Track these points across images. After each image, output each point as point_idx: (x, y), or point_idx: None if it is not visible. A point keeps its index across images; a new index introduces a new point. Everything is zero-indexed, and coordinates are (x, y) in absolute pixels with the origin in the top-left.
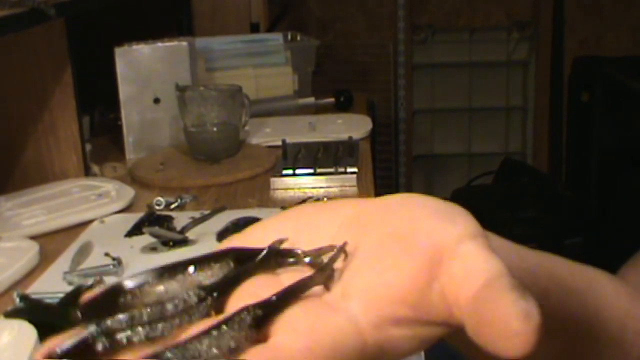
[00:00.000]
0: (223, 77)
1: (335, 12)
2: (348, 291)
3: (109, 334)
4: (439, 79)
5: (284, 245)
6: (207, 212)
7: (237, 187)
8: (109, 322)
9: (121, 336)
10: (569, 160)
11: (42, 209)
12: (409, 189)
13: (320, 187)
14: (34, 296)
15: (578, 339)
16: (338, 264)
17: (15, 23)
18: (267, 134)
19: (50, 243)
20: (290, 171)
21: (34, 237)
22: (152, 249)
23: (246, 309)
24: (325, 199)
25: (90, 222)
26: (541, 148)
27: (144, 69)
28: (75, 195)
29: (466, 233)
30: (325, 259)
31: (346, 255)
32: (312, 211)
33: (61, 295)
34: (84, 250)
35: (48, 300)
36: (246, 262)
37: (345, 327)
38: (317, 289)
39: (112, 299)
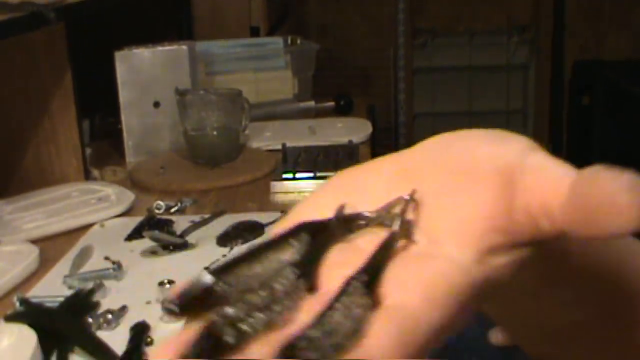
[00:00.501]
0: (223, 81)
1: (335, 16)
2: (435, 236)
3: (233, 324)
4: (439, 82)
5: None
6: (207, 216)
7: (237, 191)
8: (227, 310)
9: (245, 326)
10: (570, 164)
11: (42, 212)
12: None
13: None
14: (34, 300)
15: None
16: (411, 215)
17: (16, 27)
18: (267, 138)
19: (51, 247)
20: (290, 175)
21: (34, 241)
22: (152, 252)
23: (352, 277)
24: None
25: (90, 226)
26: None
27: (144, 73)
28: (75, 199)
29: (526, 147)
30: (395, 213)
31: (416, 204)
32: (352, 176)
33: (61, 299)
34: (84, 254)
35: (48, 304)
36: (319, 234)
37: (451, 270)
38: (402, 244)
39: (205, 290)
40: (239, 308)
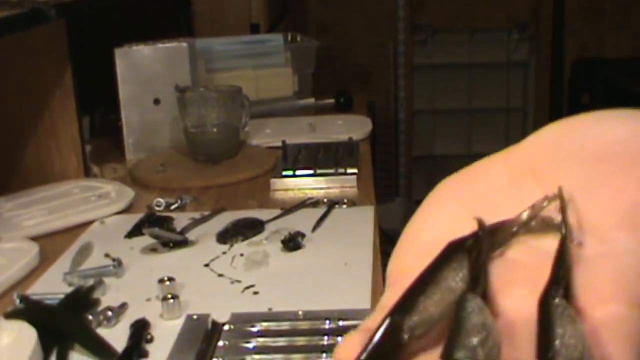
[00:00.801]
0: (223, 78)
1: (335, 13)
2: (603, 232)
3: None
4: (439, 79)
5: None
6: (207, 213)
7: (237, 188)
8: (474, 340)
9: None
10: None
11: (43, 209)
12: (409, 190)
13: (321, 188)
14: (34, 297)
15: None
16: (558, 216)
17: (16, 24)
18: (267, 135)
19: (51, 244)
20: (290, 172)
21: (34, 238)
22: (152, 249)
23: (547, 294)
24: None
25: (90, 223)
26: None
27: (144, 70)
28: (75, 196)
29: None
30: (545, 216)
31: (563, 201)
32: (463, 184)
33: (61, 296)
34: (84, 251)
35: (48, 301)
36: (472, 251)
37: (638, 264)
38: (573, 249)
39: (391, 341)
40: (459, 355)
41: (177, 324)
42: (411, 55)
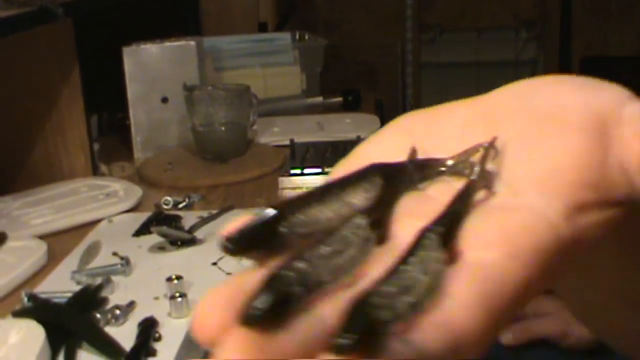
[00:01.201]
0: (231, 76)
1: (343, 12)
2: (518, 187)
3: (304, 279)
4: (446, 78)
5: (403, 156)
6: (215, 211)
7: (245, 186)
8: (298, 264)
9: (311, 278)
10: None
11: (50, 208)
12: None
13: None
14: (42, 296)
15: None
16: (490, 164)
17: (23, 22)
18: (275, 134)
19: (58, 242)
20: (298, 171)
21: (42, 237)
22: (160, 248)
23: (427, 229)
24: None
25: (98, 221)
26: None
27: (152, 68)
28: (83, 194)
29: (623, 95)
30: (474, 161)
31: (497, 152)
32: (422, 118)
33: (69, 294)
34: (92, 250)
35: (56, 300)
36: (391, 179)
37: (537, 224)
38: (481, 194)
39: (271, 229)
40: (305, 256)
41: (185, 322)
42: (419, 54)
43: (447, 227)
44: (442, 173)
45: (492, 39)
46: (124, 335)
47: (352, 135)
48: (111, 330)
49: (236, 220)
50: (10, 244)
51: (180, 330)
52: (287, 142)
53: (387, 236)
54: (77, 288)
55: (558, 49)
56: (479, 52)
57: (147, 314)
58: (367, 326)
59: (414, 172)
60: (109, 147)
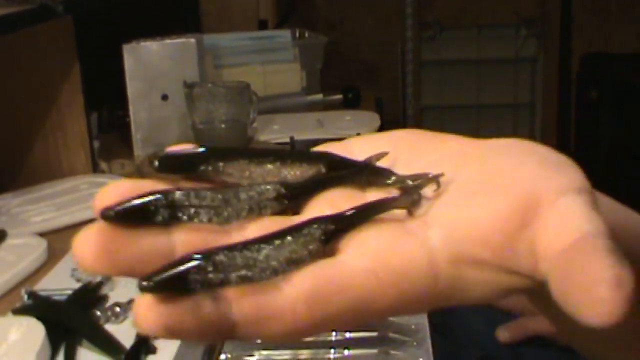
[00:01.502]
0: (231, 74)
1: (343, 9)
2: (431, 220)
3: (176, 206)
4: (447, 75)
5: (382, 163)
6: None
7: None
8: (177, 195)
9: (183, 213)
10: (577, 158)
11: (51, 205)
12: None
13: None
14: (42, 293)
15: None
16: (429, 194)
17: (23, 20)
18: (275, 131)
19: (58, 240)
20: None
21: (42, 234)
22: None
23: (318, 220)
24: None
25: None
26: (549, 145)
27: (152, 66)
28: (83, 192)
29: (572, 186)
30: (413, 184)
31: (438, 186)
32: (417, 137)
33: (69, 292)
34: None
35: (56, 297)
36: (338, 171)
37: (418, 255)
38: (400, 213)
39: (193, 163)
40: (193, 196)
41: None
42: (419, 52)
43: (337, 225)
44: (386, 185)
45: (492, 37)
46: (124, 332)
47: (352, 133)
48: (111, 328)
49: (175, 147)
50: (10, 241)
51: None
52: (287, 140)
53: (299, 213)
54: (77, 285)
55: (558, 47)
56: (479, 49)
57: None
58: (174, 278)
59: (363, 174)
60: (109, 145)
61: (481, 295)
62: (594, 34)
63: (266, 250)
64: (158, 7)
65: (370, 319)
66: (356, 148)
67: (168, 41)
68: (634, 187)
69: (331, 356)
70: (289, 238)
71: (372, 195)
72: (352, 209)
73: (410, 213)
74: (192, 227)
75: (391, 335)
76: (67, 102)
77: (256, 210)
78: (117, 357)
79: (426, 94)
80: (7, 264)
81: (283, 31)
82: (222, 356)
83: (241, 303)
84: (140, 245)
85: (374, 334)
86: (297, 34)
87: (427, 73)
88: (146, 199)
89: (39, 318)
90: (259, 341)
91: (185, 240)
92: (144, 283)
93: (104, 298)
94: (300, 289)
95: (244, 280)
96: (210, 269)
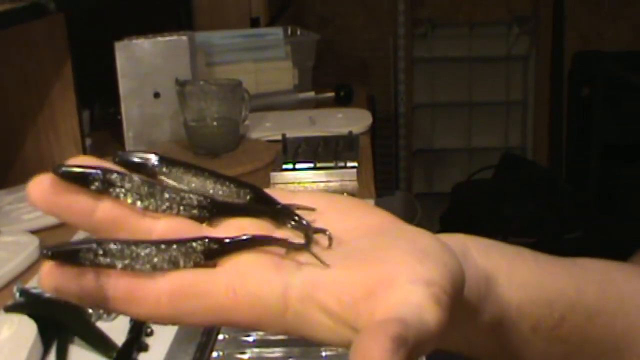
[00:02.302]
0: (223, 71)
1: (335, 7)
2: (304, 265)
3: (110, 183)
4: (439, 73)
5: (306, 215)
6: None
7: None
8: (114, 175)
9: (113, 190)
10: (569, 155)
11: None
12: (409, 184)
13: (321, 182)
14: (33, 290)
15: (603, 358)
16: (323, 245)
17: (15, 17)
18: (267, 129)
19: (50, 237)
20: (290, 165)
21: (34, 232)
22: None
23: (204, 238)
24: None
25: None
26: (541, 143)
27: (144, 63)
28: None
29: (425, 277)
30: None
31: (330, 243)
32: (350, 205)
33: None
34: None
35: (48, 295)
36: (259, 205)
37: (275, 286)
38: (281, 250)
39: (141, 164)
40: (126, 182)
41: None
42: (411, 49)
43: (220, 247)
44: (295, 228)
45: (484, 34)
46: (116, 330)
47: (344, 130)
48: (103, 326)
49: (130, 152)
50: (2, 238)
51: (173, 325)
52: (279, 137)
53: (210, 224)
54: None
55: (550, 45)
56: (471, 47)
57: None
58: (68, 252)
59: (280, 214)
60: (100, 142)
61: (326, 338)
62: (586, 31)
63: (151, 249)
64: (150, 5)
65: (230, 326)
66: (287, 195)
67: (160, 39)
68: (626, 184)
69: (322, 354)
70: (174, 245)
71: (279, 233)
72: (235, 237)
73: (289, 254)
74: (117, 201)
75: None
76: (59, 100)
77: (175, 209)
78: (109, 355)
79: (418, 92)
80: None
81: (275, 29)
82: (215, 354)
83: (118, 283)
84: (73, 198)
85: None
86: (289, 32)
87: (419, 70)
88: (90, 170)
89: (30, 315)
90: (251, 340)
91: (106, 208)
92: (45, 251)
93: None
94: (168, 285)
95: (126, 267)
96: (100, 252)
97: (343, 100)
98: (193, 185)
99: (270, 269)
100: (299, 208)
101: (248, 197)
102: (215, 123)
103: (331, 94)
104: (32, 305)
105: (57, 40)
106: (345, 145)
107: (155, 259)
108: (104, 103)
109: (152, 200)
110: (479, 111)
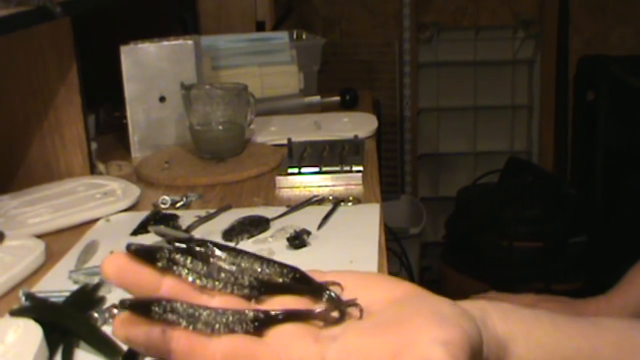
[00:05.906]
0: (228, 75)
1: (340, 11)
2: (339, 336)
3: (174, 262)
4: (444, 77)
5: (338, 290)
6: (212, 210)
7: (243, 185)
8: (178, 255)
9: (177, 269)
10: (574, 160)
11: (48, 207)
12: (414, 188)
13: (326, 186)
14: (39, 295)
15: None
16: (355, 315)
17: (21, 21)
18: (272, 133)
19: (56, 242)
20: (295, 170)
21: (39, 236)
22: None
23: (255, 310)
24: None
25: (95, 220)
26: (546, 147)
27: (150, 67)
28: (80, 193)
29: (444, 338)
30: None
31: (361, 315)
32: (375, 280)
33: (67, 294)
34: (90, 249)
35: (53, 299)
36: (302, 284)
37: (314, 355)
38: (319, 322)
39: (203, 252)
40: (189, 263)
41: None
42: (416, 53)
43: (266, 318)
44: (329, 302)
45: (489, 39)
46: None
47: (349, 134)
48: (109, 330)
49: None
50: (7, 243)
51: None
52: (285, 141)
53: (260, 303)
54: (74, 287)
55: (555, 49)
56: (476, 51)
57: None
58: (141, 305)
59: (317, 292)
60: (106, 146)
61: None
62: (592, 36)
63: (211, 313)
64: (156, 9)
65: None
66: (331, 276)
67: (166, 43)
68: (631, 189)
69: None
70: (229, 312)
71: (316, 307)
72: (283, 311)
73: (326, 326)
74: (179, 279)
75: None
76: (64, 104)
77: (229, 288)
78: (114, 359)
79: (424, 96)
80: (5, 265)
81: (280, 32)
82: None
83: (180, 339)
84: (141, 273)
85: None
86: (295, 36)
87: (424, 74)
88: (156, 249)
89: (36, 320)
90: None
91: (170, 284)
92: (122, 301)
93: (101, 300)
94: (223, 346)
95: (189, 326)
96: (169, 309)
97: (348, 104)
98: (242, 265)
99: (310, 340)
100: (332, 284)
101: (290, 277)
102: (220, 127)
103: (337, 98)
104: (37, 309)
105: (62, 44)
106: (351, 149)
107: (214, 322)
108: (110, 107)
109: (209, 279)
110: (485, 115)
